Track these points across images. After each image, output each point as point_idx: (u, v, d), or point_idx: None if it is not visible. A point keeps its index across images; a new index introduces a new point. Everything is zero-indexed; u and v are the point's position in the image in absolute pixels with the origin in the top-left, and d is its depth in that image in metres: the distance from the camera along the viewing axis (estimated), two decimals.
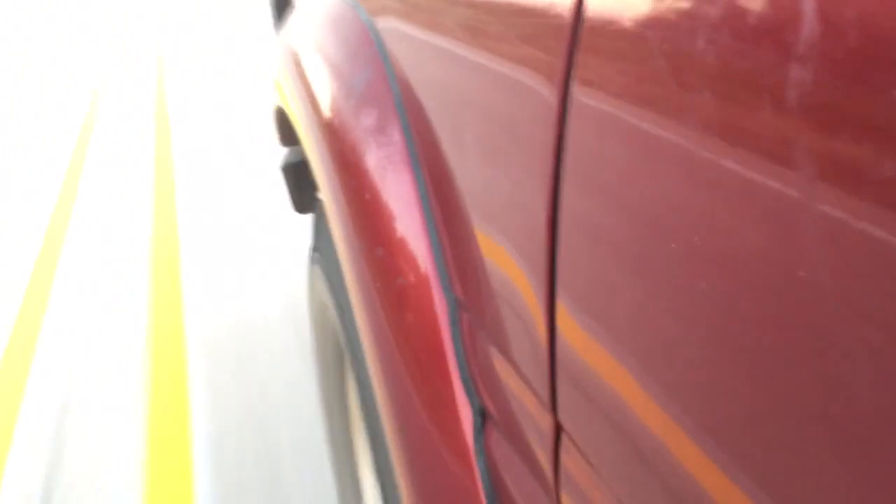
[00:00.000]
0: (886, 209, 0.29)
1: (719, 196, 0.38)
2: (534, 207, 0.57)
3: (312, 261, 1.26)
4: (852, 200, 0.30)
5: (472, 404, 0.76)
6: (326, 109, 0.87)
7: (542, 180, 0.56)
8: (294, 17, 1.16)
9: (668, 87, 0.41)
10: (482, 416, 0.76)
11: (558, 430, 0.60)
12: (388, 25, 0.86)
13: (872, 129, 0.29)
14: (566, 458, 0.59)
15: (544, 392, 0.60)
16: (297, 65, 0.98)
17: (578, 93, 0.49)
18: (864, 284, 0.30)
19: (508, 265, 0.64)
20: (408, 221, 0.79)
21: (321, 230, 1.21)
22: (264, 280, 2.66)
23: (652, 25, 0.42)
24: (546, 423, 0.61)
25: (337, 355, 1.23)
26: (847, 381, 0.32)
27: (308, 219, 3.10)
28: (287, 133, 1.24)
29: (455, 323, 0.77)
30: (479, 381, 0.75)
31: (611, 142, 0.46)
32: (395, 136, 0.80)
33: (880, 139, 0.29)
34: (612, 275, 0.48)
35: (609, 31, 0.45)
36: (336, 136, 0.84)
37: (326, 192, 0.87)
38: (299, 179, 1.33)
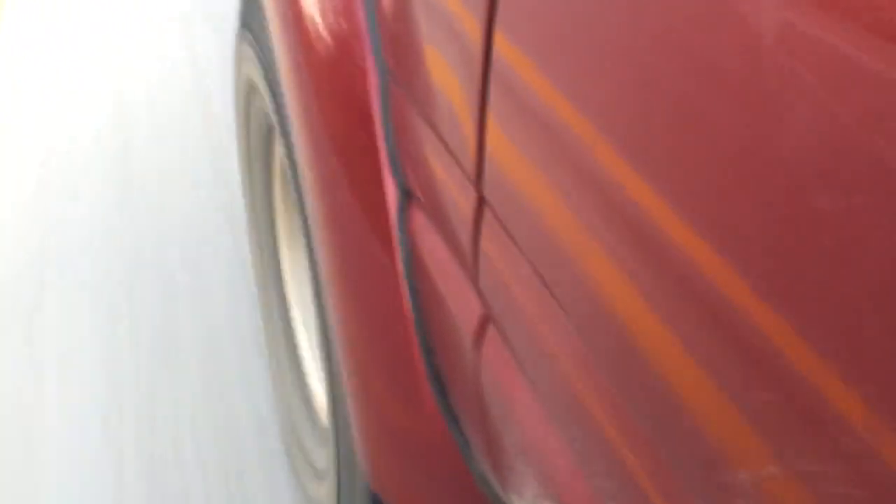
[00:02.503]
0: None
1: None
2: None
3: (240, 39, 1.21)
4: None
5: (397, 182, 0.76)
6: None
7: None
8: None
9: None
10: (406, 194, 0.76)
11: (481, 204, 0.60)
12: None
13: None
14: (487, 232, 0.60)
15: (470, 166, 0.60)
16: None
17: None
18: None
19: (443, 34, 0.62)
20: None
21: (251, 7, 1.16)
22: None
23: None
24: (470, 197, 0.61)
25: (263, 138, 1.21)
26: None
27: None
28: None
29: (385, 94, 0.75)
30: (405, 157, 0.74)
31: None
32: None
33: None
34: (549, 43, 0.47)
35: None
36: None
37: None
38: None
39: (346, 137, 0.78)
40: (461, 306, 0.67)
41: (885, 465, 0.29)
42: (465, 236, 0.64)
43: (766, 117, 0.32)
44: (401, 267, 0.77)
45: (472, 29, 0.56)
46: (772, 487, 0.35)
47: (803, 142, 0.30)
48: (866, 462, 0.30)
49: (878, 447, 0.29)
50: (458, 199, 0.63)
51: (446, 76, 0.62)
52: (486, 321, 0.63)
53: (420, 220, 0.74)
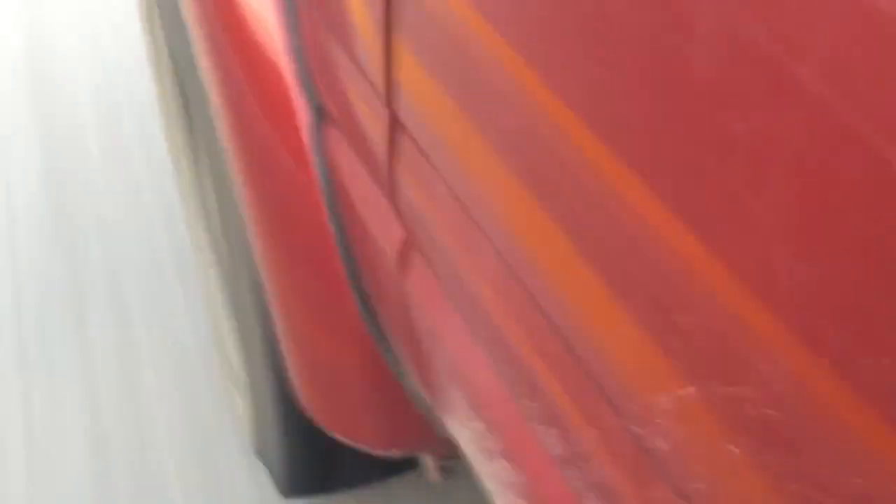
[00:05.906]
0: None
1: None
2: None
3: None
4: None
5: (310, 101, 0.73)
6: None
7: None
8: None
9: None
10: (319, 115, 0.73)
11: (394, 123, 0.58)
12: None
13: None
14: (401, 151, 0.58)
15: (380, 84, 0.58)
16: None
17: None
18: None
19: None
20: None
21: None
22: None
23: None
24: (382, 116, 0.59)
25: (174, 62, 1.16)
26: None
27: None
28: None
29: (293, 12, 0.72)
30: (318, 77, 0.71)
31: None
32: None
33: None
34: None
35: None
36: None
37: None
38: None
39: (252, 58, 0.74)
40: (383, 229, 0.65)
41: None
42: (380, 156, 0.62)
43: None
44: (318, 185, 0.75)
45: None
46: (684, 407, 0.35)
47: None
48: (777, 383, 0.30)
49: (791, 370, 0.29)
50: (372, 118, 0.61)
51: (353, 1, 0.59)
52: (408, 244, 0.62)
53: (336, 141, 0.71)
